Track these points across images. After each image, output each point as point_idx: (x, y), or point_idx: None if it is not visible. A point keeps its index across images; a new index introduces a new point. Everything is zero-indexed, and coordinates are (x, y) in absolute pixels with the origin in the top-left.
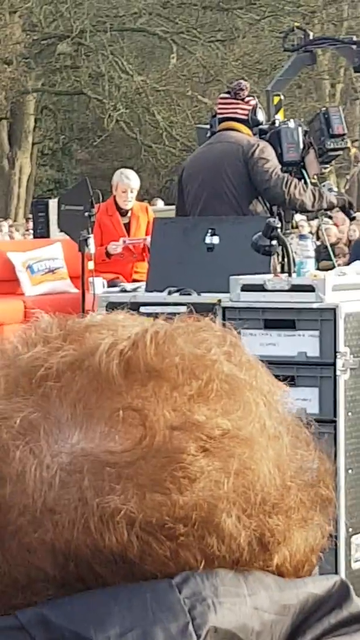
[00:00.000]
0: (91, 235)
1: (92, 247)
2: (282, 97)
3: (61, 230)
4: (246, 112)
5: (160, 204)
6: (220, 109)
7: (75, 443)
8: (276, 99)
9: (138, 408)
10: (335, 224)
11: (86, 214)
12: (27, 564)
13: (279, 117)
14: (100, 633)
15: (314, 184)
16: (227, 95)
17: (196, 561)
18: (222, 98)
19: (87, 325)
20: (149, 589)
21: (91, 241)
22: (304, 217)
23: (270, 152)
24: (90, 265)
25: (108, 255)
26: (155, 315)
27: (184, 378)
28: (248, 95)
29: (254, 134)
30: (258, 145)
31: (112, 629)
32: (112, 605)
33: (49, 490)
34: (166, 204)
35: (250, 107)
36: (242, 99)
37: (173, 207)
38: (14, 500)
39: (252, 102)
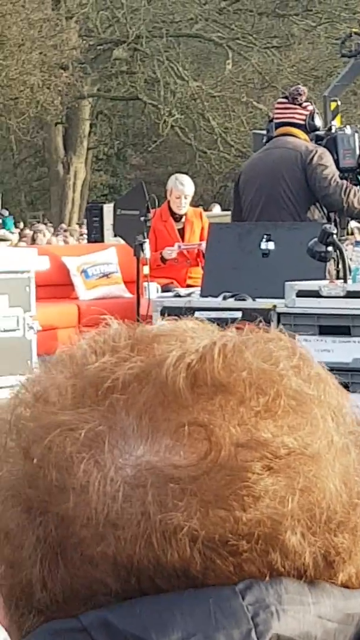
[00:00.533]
0: (147, 240)
1: (147, 252)
2: (339, 102)
3: (116, 235)
4: (304, 117)
5: (217, 209)
6: (277, 113)
7: (140, 455)
8: (333, 105)
9: (204, 423)
10: None
11: (142, 218)
12: (89, 576)
13: (336, 123)
14: (162, 637)
15: None
16: (284, 100)
17: (261, 575)
18: (279, 103)
19: (155, 335)
20: (212, 594)
21: (146, 246)
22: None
23: (328, 159)
24: (146, 270)
25: (163, 260)
26: (225, 324)
27: (251, 393)
28: (305, 101)
29: (311, 140)
30: (317, 152)
31: (174, 634)
32: (174, 610)
33: (112, 503)
34: (222, 210)
35: (307, 113)
36: (300, 104)
37: (229, 212)
38: (77, 512)
39: (310, 108)
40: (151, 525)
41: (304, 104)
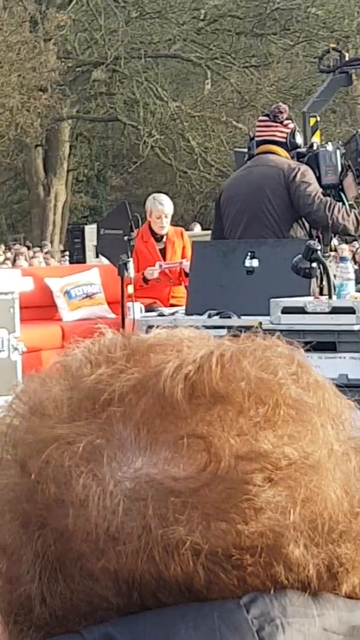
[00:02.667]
0: (130, 259)
1: (131, 271)
2: (318, 118)
3: (100, 254)
4: (285, 135)
5: (197, 228)
6: (258, 131)
7: (139, 468)
8: (312, 121)
9: (202, 434)
10: None
11: (125, 237)
12: (89, 591)
13: (317, 140)
14: None
15: (351, 207)
16: (265, 118)
17: (265, 587)
18: (260, 121)
19: (151, 345)
20: (217, 608)
21: (130, 265)
22: (342, 240)
23: (311, 176)
24: (130, 289)
25: (145, 280)
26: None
27: (250, 403)
28: (286, 119)
29: (292, 157)
30: (299, 169)
31: None
32: (178, 624)
33: (112, 517)
34: (203, 229)
35: (289, 130)
36: (281, 122)
37: (209, 232)
38: (76, 527)
39: (291, 126)
40: (153, 540)
41: (285, 122)
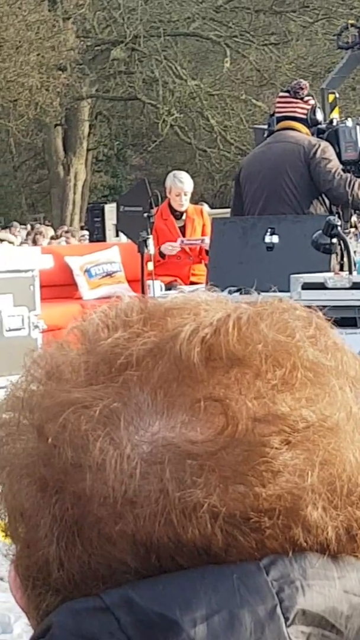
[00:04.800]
0: (150, 236)
1: (151, 248)
2: (336, 94)
3: (119, 231)
4: (305, 111)
5: (205, 207)
6: (278, 107)
7: (156, 432)
8: (331, 97)
9: (220, 397)
10: None
11: (145, 214)
12: (107, 555)
13: (336, 116)
14: (186, 615)
15: None
16: (286, 94)
17: (283, 550)
18: (280, 97)
19: (168, 309)
20: (236, 571)
21: (150, 242)
22: None
23: (331, 152)
24: (150, 266)
25: (162, 255)
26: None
27: (267, 366)
28: (307, 95)
29: (312, 134)
30: (319, 145)
31: (198, 611)
32: (198, 586)
33: (129, 481)
34: (221, 207)
35: (309, 107)
36: (301, 98)
37: (227, 210)
38: (93, 491)
39: (311, 102)
40: (170, 503)
41: (306, 98)
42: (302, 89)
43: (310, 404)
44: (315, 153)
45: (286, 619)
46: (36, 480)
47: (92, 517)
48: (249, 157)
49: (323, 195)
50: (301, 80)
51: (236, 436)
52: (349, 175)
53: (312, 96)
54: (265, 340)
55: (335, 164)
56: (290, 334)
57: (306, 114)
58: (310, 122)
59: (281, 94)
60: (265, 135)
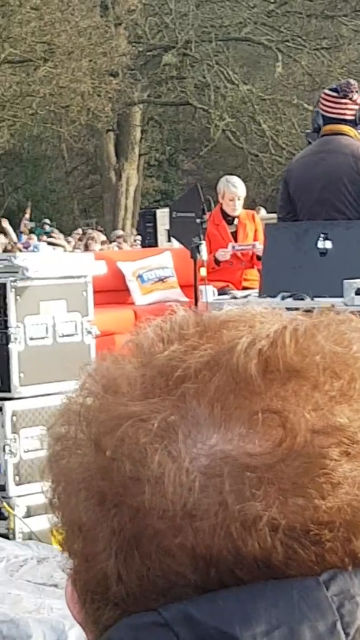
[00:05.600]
0: (203, 242)
1: (204, 254)
2: None
3: (172, 237)
4: (354, 112)
5: (262, 212)
6: (326, 107)
7: (214, 445)
8: None
9: (277, 409)
10: None
11: (198, 220)
12: (166, 568)
13: None
14: (246, 630)
15: None
16: (334, 94)
17: (343, 564)
18: (329, 96)
19: (223, 321)
20: (296, 586)
21: (203, 247)
22: None
23: None
24: (203, 272)
25: (217, 262)
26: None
27: (325, 377)
28: (355, 92)
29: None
30: None
31: (258, 627)
32: (258, 602)
33: (188, 494)
34: (273, 212)
35: (357, 106)
36: (351, 98)
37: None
38: (152, 504)
39: (359, 100)
40: (230, 515)
41: (354, 97)
42: (352, 91)
43: None
44: None
45: (347, 635)
46: (94, 494)
47: (150, 531)
48: (298, 164)
49: None
50: (349, 80)
51: (294, 448)
52: None
53: (358, 92)
54: (322, 352)
55: None
56: (348, 345)
57: (355, 114)
58: (358, 121)
59: (328, 92)
60: (311, 130)
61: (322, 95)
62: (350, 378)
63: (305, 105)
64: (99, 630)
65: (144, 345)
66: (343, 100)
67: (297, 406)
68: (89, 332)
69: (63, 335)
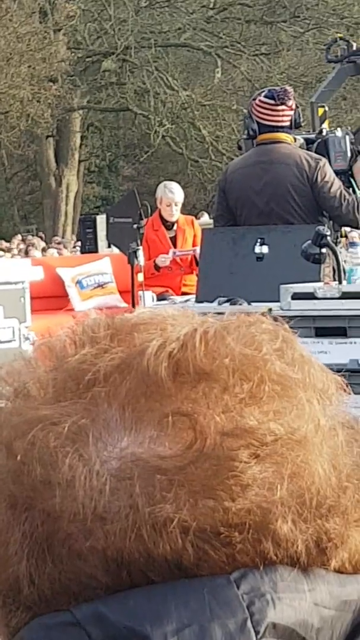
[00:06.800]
0: (140, 247)
1: (141, 259)
2: (326, 108)
3: (110, 243)
4: (290, 117)
5: (205, 217)
6: (262, 115)
7: (125, 447)
8: (320, 111)
9: (187, 412)
10: None
11: (135, 226)
12: (77, 571)
13: (326, 126)
14: (157, 629)
15: None
16: (271, 102)
17: (254, 564)
18: (265, 103)
19: (135, 324)
20: (207, 584)
21: (140, 253)
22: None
23: (330, 171)
24: (140, 277)
25: (157, 268)
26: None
27: (234, 380)
28: (291, 97)
29: (301, 145)
30: (318, 168)
31: (169, 625)
32: (168, 601)
33: (99, 497)
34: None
35: (292, 112)
36: (288, 105)
37: None
38: (63, 507)
39: (294, 105)
40: (140, 518)
41: (290, 104)
42: (288, 98)
43: (278, 417)
44: (316, 178)
45: (257, 633)
46: (5, 498)
47: (62, 534)
48: (238, 175)
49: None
50: (285, 87)
51: (204, 450)
52: (352, 198)
53: (292, 97)
54: (232, 354)
55: (337, 186)
56: (257, 347)
57: (290, 120)
58: (294, 125)
59: (264, 99)
60: (245, 137)
61: (257, 102)
62: (259, 380)
63: (245, 110)
64: (10, 634)
65: (56, 348)
66: (280, 108)
67: (207, 409)
68: (27, 339)
69: (0, 342)
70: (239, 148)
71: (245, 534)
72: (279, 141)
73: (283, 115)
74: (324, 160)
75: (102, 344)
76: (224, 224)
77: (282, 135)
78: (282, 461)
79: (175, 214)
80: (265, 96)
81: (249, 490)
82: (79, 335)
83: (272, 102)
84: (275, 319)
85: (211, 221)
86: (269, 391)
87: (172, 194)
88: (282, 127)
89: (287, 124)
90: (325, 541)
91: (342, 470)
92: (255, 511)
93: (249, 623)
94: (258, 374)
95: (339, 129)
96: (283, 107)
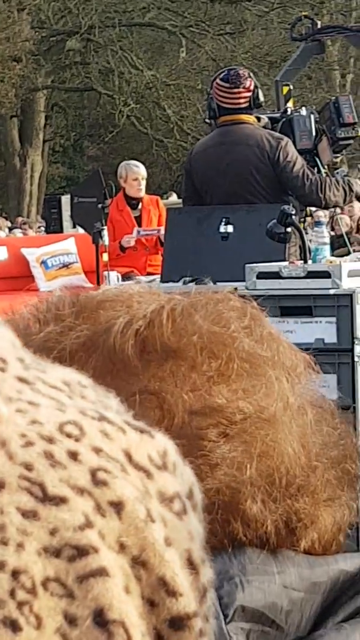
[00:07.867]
0: (105, 227)
1: (106, 239)
2: (291, 87)
3: (75, 222)
4: (247, 98)
5: (174, 197)
6: (220, 97)
7: None
8: (285, 89)
9: (155, 390)
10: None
11: (99, 205)
12: None
13: (290, 105)
14: None
15: (326, 173)
16: (226, 85)
17: (223, 545)
18: (221, 86)
19: (100, 301)
20: None
21: (105, 233)
22: None
23: (293, 151)
24: (105, 257)
25: (122, 249)
26: None
27: (202, 358)
28: (246, 78)
29: (260, 121)
30: (280, 147)
31: None
32: None
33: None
34: (179, 198)
35: (250, 93)
36: (245, 87)
37: None
38: None
39: (252, 86)
40: None
41: (247, 85)
42: (240, 78)
43: (247, 396)
44: (278, 158)
45: (225, 616)
46: None
47: None
48: (202, 156)
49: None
50: (236, 68)
51: (172, 429)
52: (317, 177)
53: (250, 77)
54: (200, 332)
55: (300, 165)
56: (225, 324)
57: (249, 101)
58: (253, 105)
59: (220, 82)
60: (206, 118)
61: (215, 85)
62: (227, 358)
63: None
64: None
65: (20, 326)
66: (236, 90)
67: (175, 387)
68: None
69: None
70: (209, 125)
71: (214, 514)
72: (241, 122)
73: (240, 98)
74: (286, 139)
75: (67, 322)
76: (192, 205)
77: (243, 117)
78: (251, 440)
79: (142, 189)
80: (221, 79)
81: (217, 470)
82: (43, 313)
83: (227, 85)
84: (243, 297)
85: (179, 201)
86: (237, 369)
87: (137, 167)
88: (240, 109)
89: (245, 105)
90: (295, 521)
91: (311, 449)
92: (224, 491)
93: (217, 606)
94: (226, 351)
95: (303, 108)
96: (238, 89)
